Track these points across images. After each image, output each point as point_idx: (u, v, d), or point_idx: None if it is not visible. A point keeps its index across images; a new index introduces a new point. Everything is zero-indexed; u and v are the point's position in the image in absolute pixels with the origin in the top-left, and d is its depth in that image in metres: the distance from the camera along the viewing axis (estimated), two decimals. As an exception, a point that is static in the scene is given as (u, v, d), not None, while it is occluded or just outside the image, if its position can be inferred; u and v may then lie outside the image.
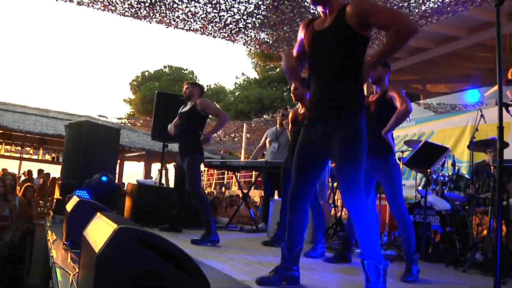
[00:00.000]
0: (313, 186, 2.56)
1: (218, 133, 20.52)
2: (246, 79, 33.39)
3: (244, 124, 18.33)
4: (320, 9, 2.49)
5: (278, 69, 29.94)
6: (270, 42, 6.78)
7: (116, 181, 8.51)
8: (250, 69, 46.42)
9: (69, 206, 3.46)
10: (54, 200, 5.73)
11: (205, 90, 33.89)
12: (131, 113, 34.59)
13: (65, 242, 3.12)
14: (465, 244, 4.55)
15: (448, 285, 3.30)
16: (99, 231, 1.78)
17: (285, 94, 31.32)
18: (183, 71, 35.56)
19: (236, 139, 20.41)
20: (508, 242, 4.38)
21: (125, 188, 9.61)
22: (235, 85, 34.65)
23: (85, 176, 5.47)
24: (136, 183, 6.22)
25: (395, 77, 10.50)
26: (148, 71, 35.21)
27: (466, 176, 4.93)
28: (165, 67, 35.44)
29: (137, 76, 35.11)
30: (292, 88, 4.56)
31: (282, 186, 4.73)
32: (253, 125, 19.24)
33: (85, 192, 4.83)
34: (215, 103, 33.83)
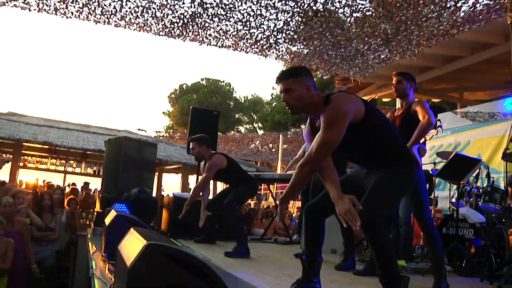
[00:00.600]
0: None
1: (256, 143, 20.74)
2: (283, 90, 33.49)
3: (281, 135, 18.45)
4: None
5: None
6: (302, 56, 6.88)
7: (155, 193, 8.81)
8: (286, 80, 46.41)
9: (107, 220, 3.67)
10: (95, 213, 6.01)
11: (242, 103, 34.28)
12: (170, 125, 35.43)
13: (103, 254, 3.31)
14: (501, 258, 4.45)
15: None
16: (132, 246, 1.93)
17: (322, 103, 31.20)
18: (220, 83, 36.18)
19: (273, 149, 20.51)
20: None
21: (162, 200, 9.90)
22: (271, 95, 34.88)
23: (124, 190, 5.73)
24: (172, 195, 6.43)
25: (430, 86, 10.36)
26: (186, 84, 36.06)
27: (502, 187, 4.83)
28: (202, 79, 36.22)
29: (175, 89, 36.05)
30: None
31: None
32: (289, 136, 19.32)
33: (123, 205, 5.06)
34: (252, 114, 34.20)
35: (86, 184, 12.81)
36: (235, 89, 40.40)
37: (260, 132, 31.85)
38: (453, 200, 5.26)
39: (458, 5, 4.71)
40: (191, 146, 5.14)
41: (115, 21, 5.76)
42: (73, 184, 13.72)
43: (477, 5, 4.80)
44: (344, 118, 2.28)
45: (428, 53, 7.36)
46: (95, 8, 5.47)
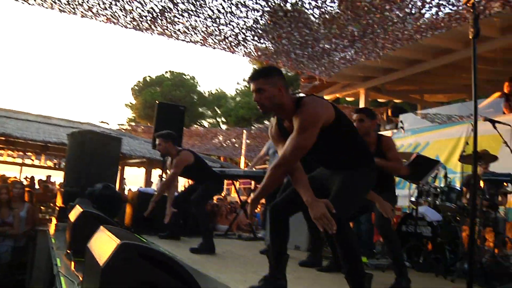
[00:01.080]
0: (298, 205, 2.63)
1: (220, 138, 20.70)
2: (247, 85, 33.56)
3: (244, 131, 18.47)
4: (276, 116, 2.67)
5: (286, 80, 30.05)
6: (269, 53, 6.94)
7: (117, 187, 8.67)
8: (251, 75, 46.43)
9: (72, 216, 3.60)
10: (57, 208, 5.86)
11: (206, 97, 34.11)
12: (133, 117, 34.81)
13: (68, 251, 3.26)
14: (456, 254, 4.67)
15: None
16: (103, 245, 1.93)
17: (285, 100, 31.48)
18: (184, 76, 35.79)
19: (236, 145, 20.49)
20: (497, 252, 4.52)
21: (125, 194, 9.75)
22: (236, 90, 34.85)
23: (87, 185, 5.62)
24: (137, 191, 6.36)
25: (393, 87, 10.68)
26: (149, 76, 35.49)
27: (458, 188, 5.06)
28: (166, 72, 35.72)
29: (138, 81, 35.39)
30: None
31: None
32: (253, 132, 19.36)
33: (87, 201, 4.98)
34: (216, 108, 34.09)
35: (48, 178, 12.47)
36: (199, 83, 40.10)
37: (224, 126, 31.79)
38: (412, 199, 5.47)
39: (422, 11, 4.89)
40: (157, 142, 5.09)
41: (82, 12, 5.62)
42: (31, 177, 13.32)
43: (440, 13, 4.99)
44: (318, 122, 2.34)
45: (392, 55, 7.59)
46: (59, -4, 5.32)
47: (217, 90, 36.85)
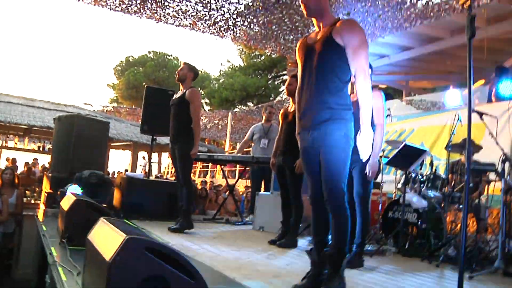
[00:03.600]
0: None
1: (204, 120, 20.61)
2: (231, 66, 33.33)
3: (229, 113, 18.44)
4: (314, 21, 2.67)
5: (263, 57, 29.97)
6: (259, 38, 6.91)
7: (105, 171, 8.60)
8: (236, 56, 46.23)
9: (64, 204, 3.59)
10: (45, 193, 5.81)
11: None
12: (115, 98, 34.34)
13: (63, 240, 3.25)
14: (440, 239, 4.81)
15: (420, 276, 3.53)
16: (107, 238, 1.94)
17: (269, 82, 31.41)
18: (167, 56, 35.28)
19: (220, 127, 20.45)
20: (479, 238, 4.68)
21: (114, 177, 9.69)
22: (220, 72, 34.58)
23: (75, 170, 5.57)
24: (125, 176, 6.35)
25: (381, 72, 10.76)
26: (132, 56, 34.91)
27: (443, 175, 5.19)
28: (149, 52, 35.16)
29: (121, 61, 34.84)
30: (286, 83, 4.67)
31: (279, 182, 4.83)
32: (237, 114, 19.35)
33: (77, 186, 4.96)
34: (199, 88, 33.80)
35: (35, 161, 12.27)
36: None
37: (207, 108, 31.62)
38: (399, 185, 5.58)
39: (413, 1, 4.92)
40: (180, 67, 5.02)
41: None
42: (13, 159, 13.08)
43: (429, 3, 5.03)
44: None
45: (381, 41, 7.64)
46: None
47: (200, 71, 36.40)
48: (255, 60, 30.74)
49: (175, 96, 5.15)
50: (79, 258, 2.69)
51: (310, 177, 2.64)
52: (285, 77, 28.11)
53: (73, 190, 4.68)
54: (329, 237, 2.59)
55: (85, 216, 3.30)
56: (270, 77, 31.78)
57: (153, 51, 35.19)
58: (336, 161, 2.46)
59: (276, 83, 31.74)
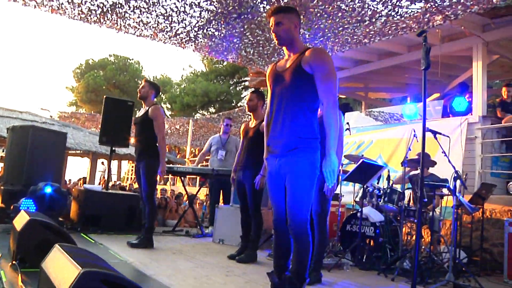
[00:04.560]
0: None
1: (165, 127, 20.33)
2: (193, 72, 33.14)
3: (190, 121, 18.32)
4: (285, 49, 2.75)
5: (225, 63, 29.96)
6: (220, 50, 6.92)
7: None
8: (198, 62, 45.99)
9: (17, 223, 3.46)
10: (-4, 207, 5.55)
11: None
12: (74, 101, 33.42)
13: (14, 262, 3.13)
14: (396, 252, 4.96)
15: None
16: (62, 270, 1.89)
17: (231, 88, 31.45)
18: (129, 60, 34.72)
19: (181, 133, 20.28)
20: (432, 250, 4.85)
21: (68, 186, 9.38)
22: (181, 77, 34.29)
23: (30, 182, 5.37)
24: (82, 188, 6.19)
25: (341, 84, 11.00)
26: (92, 59, 34.11)
27: (399, 189, 5.35)
28: (110, 55, 34.48)
29: (80, 63, 33.95)
30: (247, 99, 4.74)
31: (239, 197, 4.84)
32: (198, 121, 19.26)
33: (31, 201, 4.78)
34: (160, 94, 33.35)
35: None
36: (144, 68, 39.00)
37: (168, 113, 31.29)
38: (357, 199, 5.71)
39: (372, 20, 5.07)
40: (141, 85, 4.99)
41: (24, 1, 5.33)
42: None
43: (388, 23, 5.20)
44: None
45: (341, 55, 7.82)
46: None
47: (162, 75, 36.03)
48: (217, 65, 30.70)
49: (138, 114, 5.12)
50: (31, 283, 2.61)
51: (275, 203, 2.68)
52: (246, 83, 28.22)
53: (27, 206, 4.52)
54: (290, 261, 2.63)
55: (39, 237, 3.20)
56: (232, 83, 31.82)
57: (114, 55, 34.55)
58: (301, 189, 2.51)
59: (237, 89, 31.82)
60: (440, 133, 4.26)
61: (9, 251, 3.62)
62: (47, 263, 2.17)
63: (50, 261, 2.16)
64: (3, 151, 10.81)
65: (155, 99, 5.10)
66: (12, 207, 4.69)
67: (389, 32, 5.67)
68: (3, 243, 4.06)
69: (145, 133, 4.92)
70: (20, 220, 3.43)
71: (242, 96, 30.92)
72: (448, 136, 4.65)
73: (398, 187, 5.56)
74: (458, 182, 4.25)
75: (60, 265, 1.98)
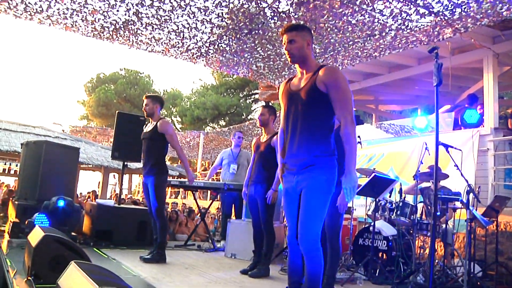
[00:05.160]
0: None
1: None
2: (203, 85, 33.38)
3: (201, 134, 18.42)
4: (297, 67, 2.78)
5: (235, 76, 30.14)
6: (231, 65, 6.98)
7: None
8: (208, 75, 46.34)
9: (32, 239, 3.48)
10: (10, 222, 5.62)
11: (162, 96, 33.46)
12: (85, 115, 33.77)
13: (29, 278, 3.16)
14: (409, 266, 4.91)
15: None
16: (78, 287, 1.91)
17: (241, 101, 31.60)
18: (139, 74, 35.09)
19: (191, 146, 20.38)
20: (446, 264, 4.80)
21: (82, 196, 9.41)
22: (192, 90, 34.54)
23: (43, 197, 5.43)
24: (95, 203, 6.23)
25: (350, 97, 11.01)
26: (103, 73, 34.57)
27: (411, 203, 5.32)
28: (121, 69, 34.92)
29: (92, 78, 34.39)
30: (259, 113, 4.77)
31: (251, 212, 4.85)
32: (209, 135, 19.36)
33: (44, 216, 4.83)
34: (171, 107, 33.62)
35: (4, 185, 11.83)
36: (155, 81, 39.35)
37: (179, 126, 31.47)
38: (369, 212, 5.68)
39: (382, 34, 5.09)
40: (144, 103, 4.96)
41: (39, 19, 5.43)
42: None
43: (397, 37, 5.22)
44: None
45: (351, 69, 7.85)
46: (17, 4, 5.11)
47: (172, 89, 36.35)
48: (227, 78, 30.88)
49: (146, 129, 5.11)
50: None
51: (289, 219, 2.70)
52: (256, 96, 28.29)
53: (41, 221, 4.57)
54: (303, 278, 2.64)
55: (54, 252, 3.23)
56: (242, 95, 31.97)
57: (124, 69, 34.97)
58: (315, 204, 2.53)
59: (247, 102, 31.93)
60: (452, 147, 4.24)
61: (24, 266, 3.65)
62: (63, 280, 2.19)
63: (67, 278, 2.18)
64: (17, 166, 10.93)
65: (161, 112, 5.11)
66: (26, 222, 4.74)
67: (399, 45, 5.69)
68: (18, 258, 4.09)
69: (154, 148, 4.93)
70: (35, 236, 3.46)
71: (252, 109, 31.05)
72: (460, 150, 4.62)
73: (410, 199, 5.53)
74: (471, 195, 4.22)
75: (77, 283, 1.99)
